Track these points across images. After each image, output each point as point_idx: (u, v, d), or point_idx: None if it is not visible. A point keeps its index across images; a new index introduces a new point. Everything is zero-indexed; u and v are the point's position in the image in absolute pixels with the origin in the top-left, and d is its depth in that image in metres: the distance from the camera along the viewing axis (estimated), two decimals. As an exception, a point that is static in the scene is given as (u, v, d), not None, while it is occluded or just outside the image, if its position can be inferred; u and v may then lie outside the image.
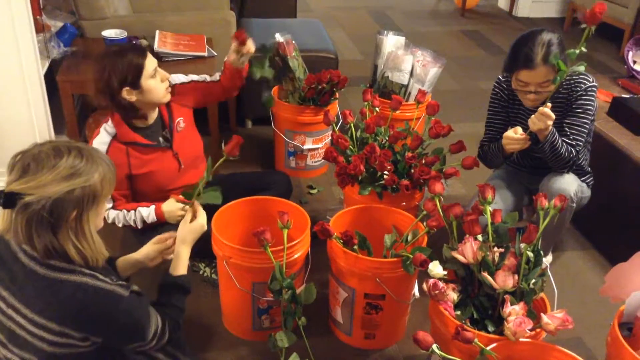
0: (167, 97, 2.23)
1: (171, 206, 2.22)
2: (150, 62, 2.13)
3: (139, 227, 2.23)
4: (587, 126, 2.28)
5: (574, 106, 2.27)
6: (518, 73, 2.19)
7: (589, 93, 2.26)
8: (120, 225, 2.25)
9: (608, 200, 2.66)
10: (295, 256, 2.04)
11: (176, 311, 1.64)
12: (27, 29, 2.49)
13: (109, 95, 2.11)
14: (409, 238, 2.10)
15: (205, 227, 1.77)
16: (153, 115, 2.27)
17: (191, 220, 1.81)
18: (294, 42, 3.09)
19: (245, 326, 2.19)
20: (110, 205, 2.23)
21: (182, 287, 1.70)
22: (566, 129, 2.26)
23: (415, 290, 2.20)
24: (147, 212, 2.22)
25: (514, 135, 2.21)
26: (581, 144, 2.27)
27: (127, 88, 2.10)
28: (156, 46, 3.00)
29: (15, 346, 1.37)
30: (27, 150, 1.32)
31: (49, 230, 1.29)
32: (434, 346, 1.63)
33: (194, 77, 2.45)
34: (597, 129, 2.67)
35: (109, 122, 2.22)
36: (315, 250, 2.16)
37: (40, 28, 2.80)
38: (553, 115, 2.10)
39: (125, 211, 2.23)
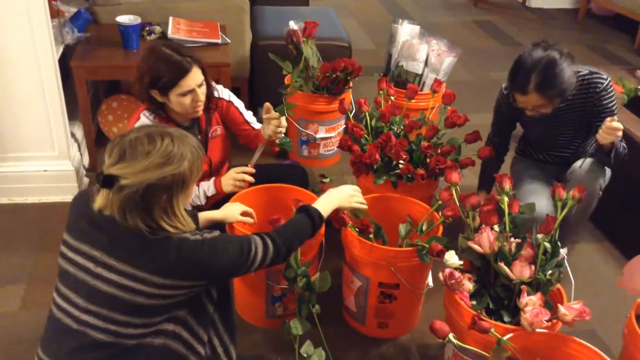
0: (196, 114, 2.17)
1: (227, 175, 2.24)
2: (188, 82, 2.05)
3: (204, 204, 2.25)
4: None
5: (600, 108, 2.27)
6: (514, 94, 2.20)
7: (609, 91, 2.26)
8: (189, 208, 2.22)
9: (623, 192, 2.64)
10: (310, 244, 2.04)
11: (290, 228, 1.73)
12: (42, 14, 2.48)
13: (141, 87, 2.09)
14: (424, 228, 2.09)
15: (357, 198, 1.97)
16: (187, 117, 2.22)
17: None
18: (308, 30, 3.08)
19: (258, 313, 2.20)
20: None
21: (308, 212, 1.77)
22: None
23: (429, 280, 2.20)
24: (207, 185, 2.24)
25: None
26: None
27: (156, 91, 2.08)
28: (170, 33, 2.99)
29: (95, 304, 1.43)
30: (124, 135, 1.44)
31: (141, 212, 1.39)
32: (451, 335, 1.63)
33: (250, 117, 2.41)
34: (613, 121, 2.65)
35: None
36: (327, 238, 2.16)
37: (54, 13, 2.79)
38: (622, 127, 2.08)
39: None
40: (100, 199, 1.43)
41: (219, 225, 2.04)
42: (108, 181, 1.37)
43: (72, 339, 1.45)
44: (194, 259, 1.43)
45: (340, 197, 1.91)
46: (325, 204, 1.85)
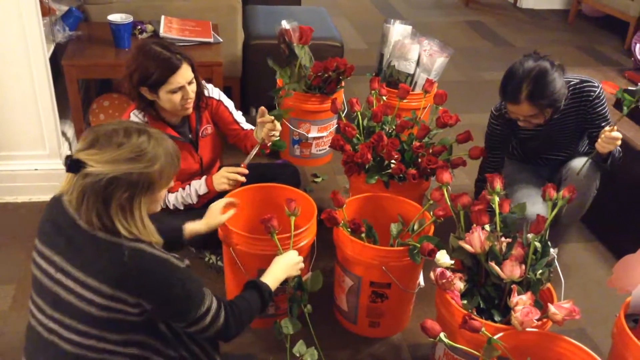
0: (186, 112, 2.18)
1: (219, 173, 2.25)
2: (177, 79, 2.06)
3: (195, 203, 2.25)
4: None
5: (593, 116, 2.28)
6: (506, 104, 2.21)
7: (601, 99, 2.27)
8: (182, 207, 2.26)
9: (613, 192, 2.66)
10: (302, 244, 2.04)
11: (243, 303, 1.62)
12: (34, 12, 2.46)
13: (130, 85, 2.09)
14: (415, 227, 2.10)
15: (301, 265, 1.90)
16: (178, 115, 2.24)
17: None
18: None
19: (250, 313, 2.19)
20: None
21: (259, 288, 1.70)
22: (596, 138, 2.26)
23: (421, 280, 2.20)
24: (199, 184, 2.24)
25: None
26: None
27: (146, 88, 2.08)
28: (162, 31, 2.98)
29: (58, 311, 1.40)
30: (104, 124, 1.41)
31: (99, 204, 1.34)
32: (442, 334, 1.63)
33: (239, 117, 2.41)
34: (603, 121, 2.67)
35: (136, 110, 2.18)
36: (319, 238, 2.16)
37: (45, 11, 2.77)
38: (621, 136, 2.10)
39: (181, 190, 2.26)
40: (64, 183, 1.40)
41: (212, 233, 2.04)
42: (74, 165, 1.33)
43: (45, 349, 1.43)
44: (144, 273, 1.37)
45: (288, 268, 1.84)
46: (273, 279, 1.78)
